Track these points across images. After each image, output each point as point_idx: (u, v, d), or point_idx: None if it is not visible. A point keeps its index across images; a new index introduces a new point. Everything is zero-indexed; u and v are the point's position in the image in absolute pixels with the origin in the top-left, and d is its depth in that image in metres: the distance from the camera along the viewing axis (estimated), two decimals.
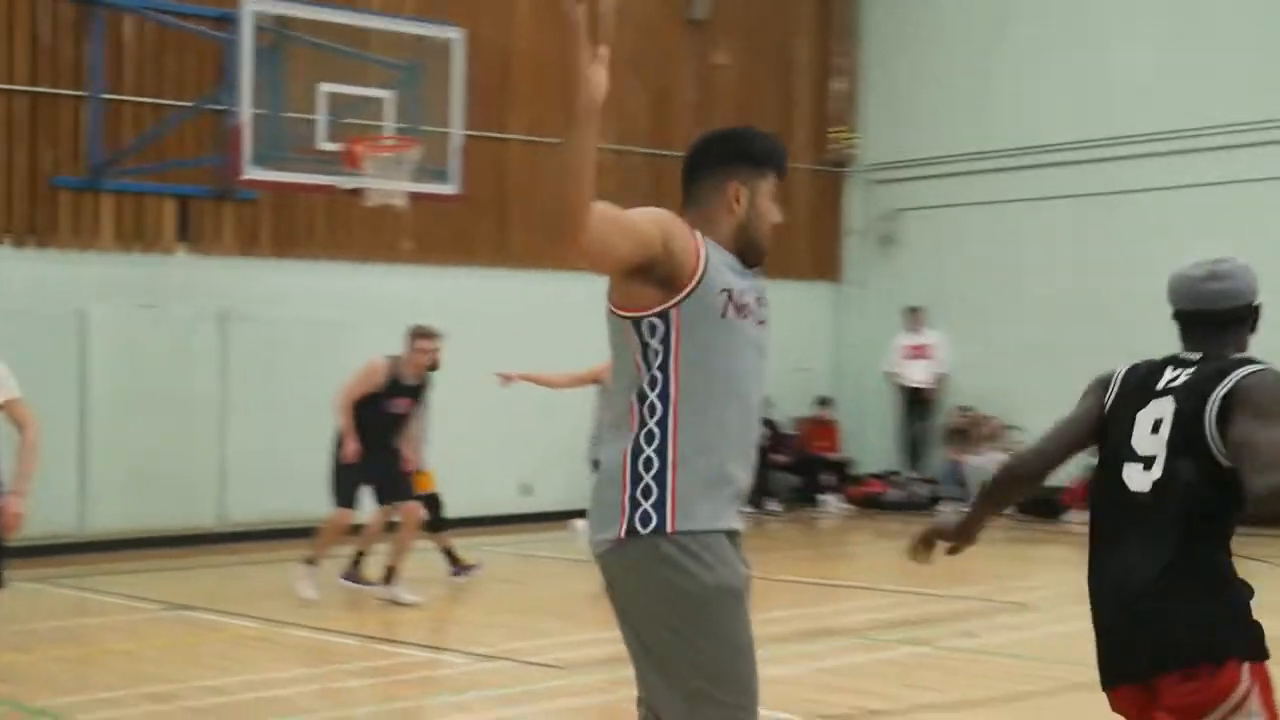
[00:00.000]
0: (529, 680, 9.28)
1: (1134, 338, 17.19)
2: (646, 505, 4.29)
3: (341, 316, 16.23)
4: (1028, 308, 19.57)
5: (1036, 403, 17.11)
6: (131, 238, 15.88)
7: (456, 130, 15.36)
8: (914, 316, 20.32)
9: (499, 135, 18.32)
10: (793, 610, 11.73)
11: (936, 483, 19.61)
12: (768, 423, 20.09)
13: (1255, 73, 18.05)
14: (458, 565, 13.48)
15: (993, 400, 19.54)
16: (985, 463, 19.31)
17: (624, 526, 4.29)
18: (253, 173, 14.10)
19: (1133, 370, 4.56)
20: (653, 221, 4.32)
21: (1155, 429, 4.35)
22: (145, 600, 12.23)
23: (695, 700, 4.27)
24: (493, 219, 18.31)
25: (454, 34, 15.39)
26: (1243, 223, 17.98)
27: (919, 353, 20.20)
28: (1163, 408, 4.36)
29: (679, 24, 20.03)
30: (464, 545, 14.58)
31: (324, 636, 10.83)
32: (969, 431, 19.67)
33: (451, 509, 14.08)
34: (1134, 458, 4.36)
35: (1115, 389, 4.53)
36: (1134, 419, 4.40)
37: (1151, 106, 18.78)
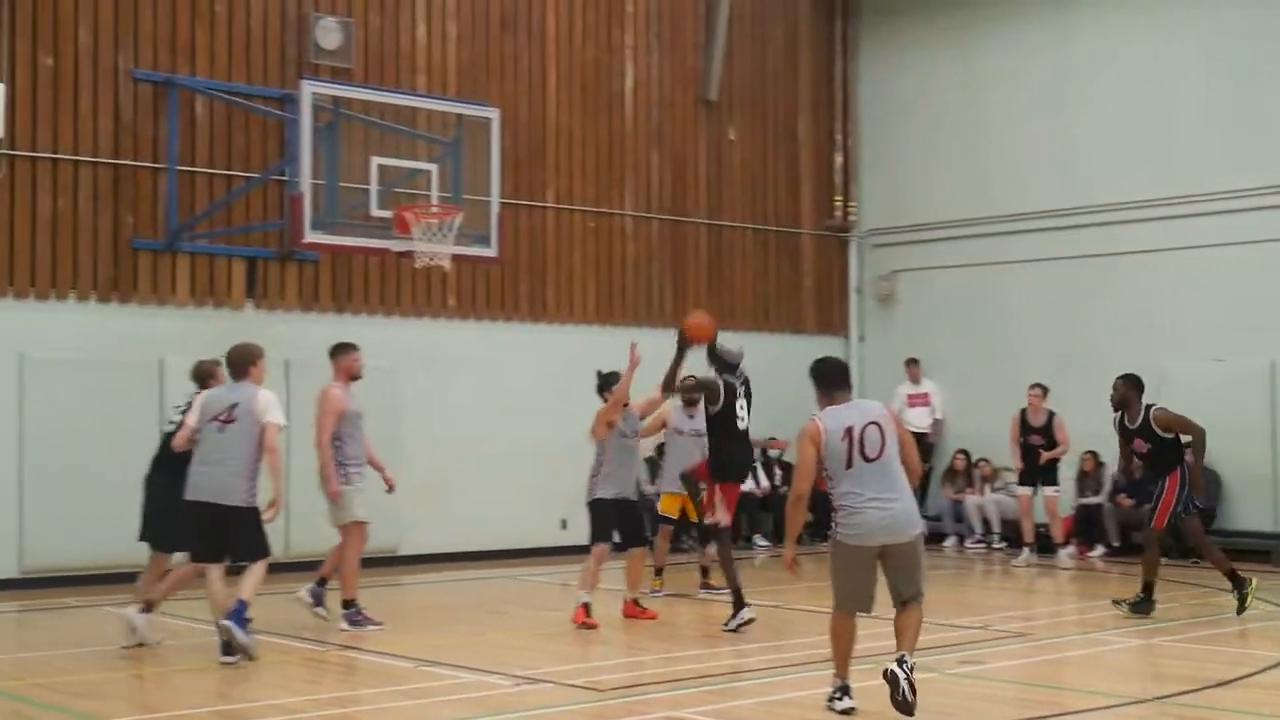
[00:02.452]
0: (569, 701, 9.08)
1: (1109, 393, 17.16)
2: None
3: (392, 365, 16.10)
4: (1017, 362, 19.37)
5: None
6: (204, 294, 15.79)
7: (495, 199, 15.30)
8: (912, 368, 20.20)
9: (534, 203, 18.27)
10: (806, 638, 11.51)
11: (939, 520, 19.36)
12: (782, 465, 19.92)
13: (1235, 141, 17.91)
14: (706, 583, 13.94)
15: (986, 446, 19.36)
16: (983, 502, 19.16)
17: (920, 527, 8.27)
18: (313, 237, 14.02)
19: None
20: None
21: None
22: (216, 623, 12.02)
23: None
24: (529, 278, 18.23)
25: (492, 112, 15.37)
26: (1224, 284, 17.88)
27: (918, 401, 20.05)
28: None
29: (694, 103, 19.98)
30: (507, 575, 14.45)
31: (376, 659, 10.64)
32: (967, 473, 19.49)
33: (497, 542, 13.92)
34: None
35: None
36: None
37: (1133, 173, 18.70)
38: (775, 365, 20.36)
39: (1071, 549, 17.62)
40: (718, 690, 9.45)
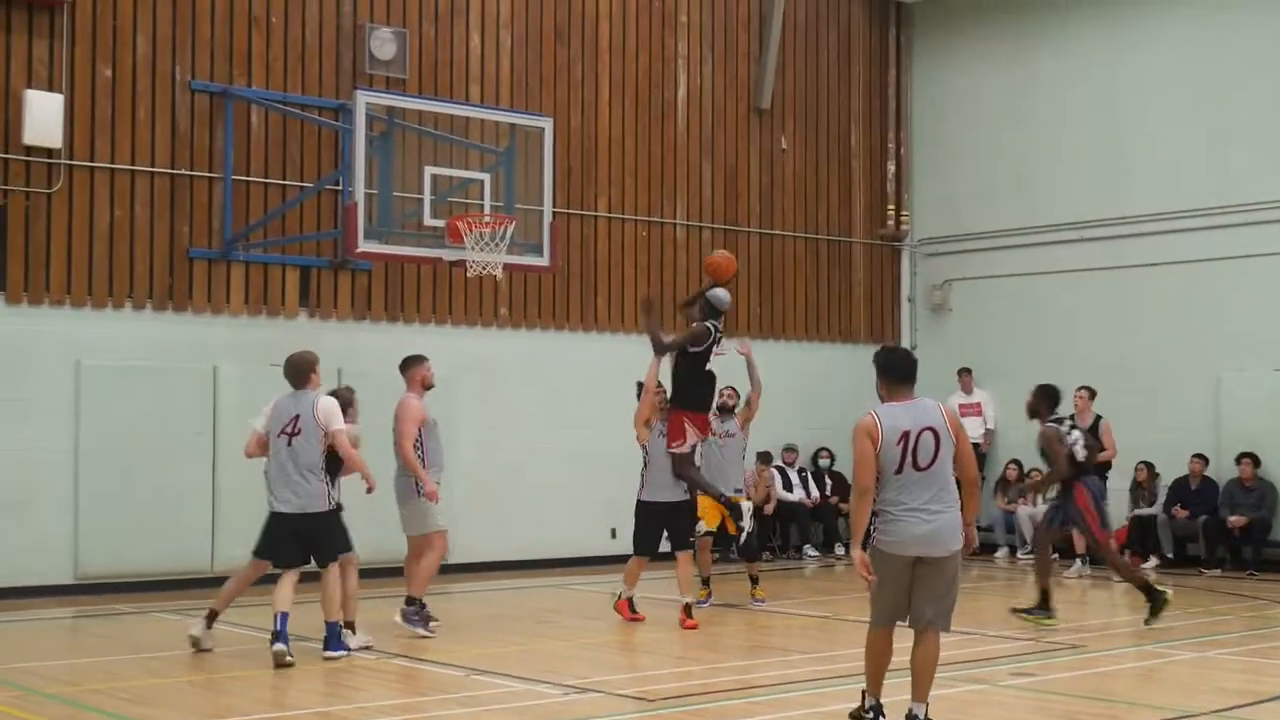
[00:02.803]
0: (618, 711, 9.05)
1: (1163, 402, 16.93)
2: None
3: (444, 374, 16.03)
4: (1067, 371, 19.18)
5: None
6: (258, 303, 15.88)
7: (547, 208, 15.31)
8: (965, 378, 20.08)
9: (585, 212, 18.28)
10: (855, 649, 11.41)
11: (991, 530, 19.23)
12: (834, 474, 19.84)
13: (1272, 149, 17.74)
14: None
15: (1036, 456, 19.14)
16: (1035, 513, 18.97)
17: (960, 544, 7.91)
18: (366, 246, 14.07)
19: None
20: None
21: None
22: (268, 630, 12.07)
23: None
24: (580, 287, 18.24)
25: (545, 122, 15.39)
26: (1273, 293, 17.70)
27: (970, 411, 19.92)
28: None
29: (747, 112, 19.95)
30: (557, 584, 14.42)
31: (428, 667, 10.65)
32: (1020, 483, 19.32)
33: (547, 550, 13.92)
34: None
35: None
36: None
37: (1187, 182, 18.54)
38: (827, 375, 20.39)
39: (1125, 559, 17.45)
40: (766, 701, 9.40)
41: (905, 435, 7.79)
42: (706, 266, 13.45)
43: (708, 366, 12.94)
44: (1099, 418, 16.64)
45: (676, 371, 12.93)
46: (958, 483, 7.99)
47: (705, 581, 14.13)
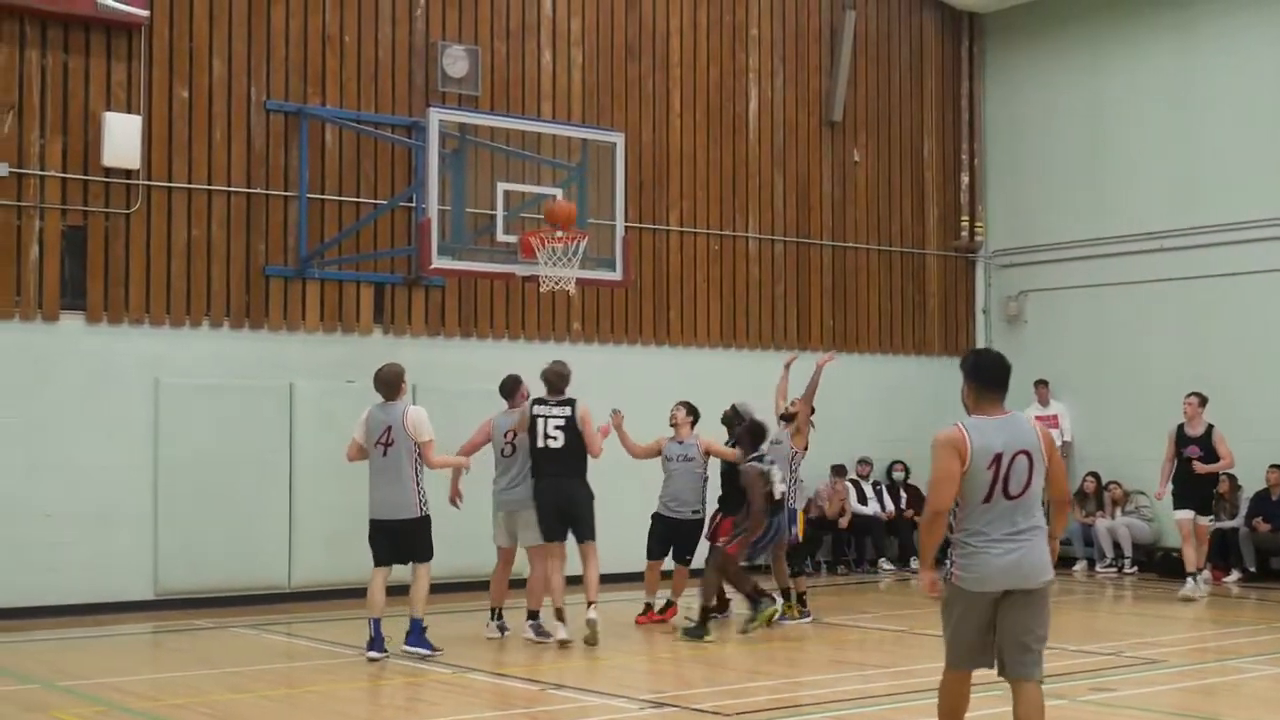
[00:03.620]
0: None
1: (1240, 413, 16.72)
2: None
3: None
4: (1143, 382, 19.08)
5: (1158, 465, 16.63)
6: (333, 320, 16.01)
7: (620, 222, 15.32)
8: (1041, 389, 19.90)
9: (658, 226, 18.30)
10: (934, 663, 11.34)
11: (1069, 544, 19.02)
12: (909, 488, 19.73)
13: None
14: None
15: (1114, 468, 19.04)
16: (1114, 525, 18.79)
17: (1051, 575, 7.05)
18: (440, 262, 14.13)
19: None
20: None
21: None
22: (344, 645, 12.18)
23: None
24: (653, 302, 18.25)
25: (616, 137, 15.40)
26: None
27: (1046, 423, 19.69)
28: None
29: (818, 125, 19.90)
30: (621, 599, 14.43)
31: (503, 682, 10.68)
32: (1098, 496, 19.14)
33: (620, 565, 13.98)
34: None
35: None
36: None
37: (1261, 191, 18.31)
38: (901, 387, 20.28)
39: (1206, 574, 17.20)
40: (841, 716, 9.36)
41: (997, 459, 6.88)
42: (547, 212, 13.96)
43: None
44: (1211, 426, 15.92)
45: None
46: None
47: (784, 594, 14.04)
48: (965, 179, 21.25)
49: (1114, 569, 18.63)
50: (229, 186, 15.48)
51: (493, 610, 12.83)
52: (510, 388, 13.10)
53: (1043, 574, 6.98)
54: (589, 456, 12.53)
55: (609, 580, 13.76)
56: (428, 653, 11.39)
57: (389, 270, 16.39)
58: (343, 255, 16.04)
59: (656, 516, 13.89)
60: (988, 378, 7.11)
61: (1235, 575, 17.55)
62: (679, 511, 13.72)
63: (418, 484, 11.51)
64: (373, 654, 11.33)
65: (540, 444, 12.41)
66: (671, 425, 13.98)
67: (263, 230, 15.66)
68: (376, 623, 11.41)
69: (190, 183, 15.27)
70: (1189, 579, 15.89)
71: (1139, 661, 11.47)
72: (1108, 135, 19.99)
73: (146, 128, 14.95)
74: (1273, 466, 17.58)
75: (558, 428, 12.39)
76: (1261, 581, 17.38)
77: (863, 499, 19.27)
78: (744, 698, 10.10)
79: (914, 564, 18.96)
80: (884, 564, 19.21)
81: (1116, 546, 18.77)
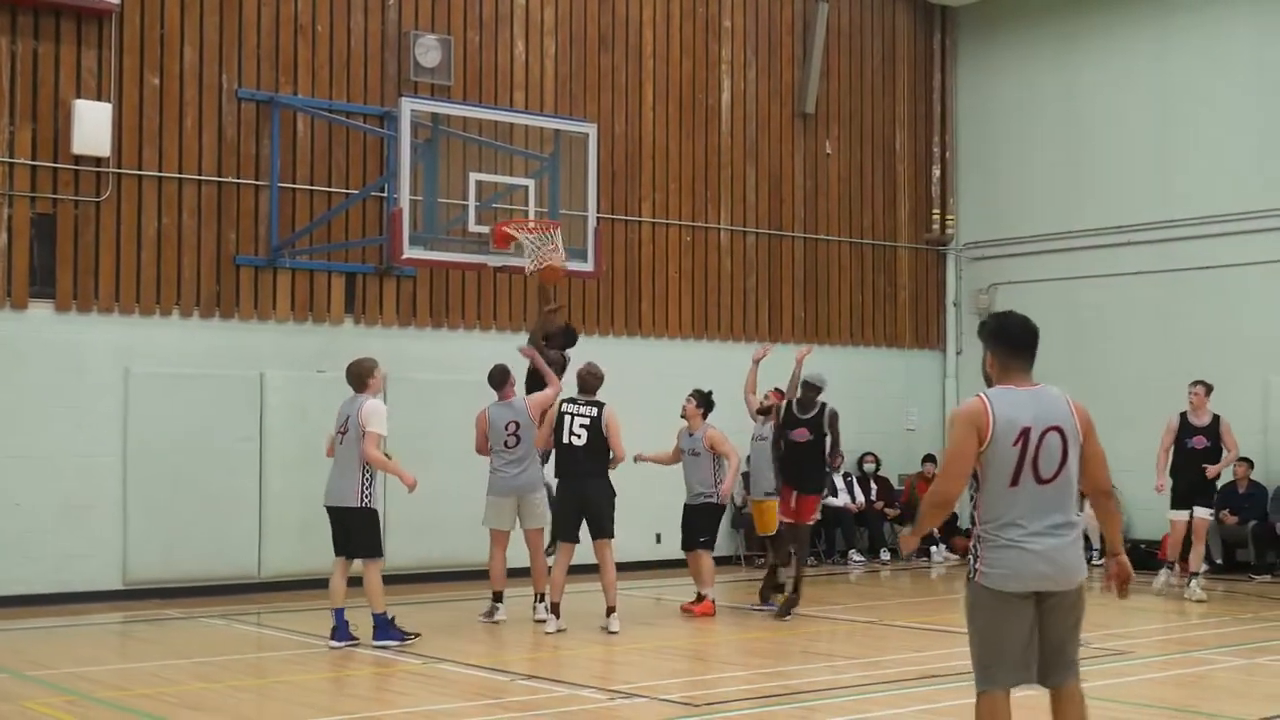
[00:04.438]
0: (664, 716, 9.05)
1: (1212, 406, 16.75)
2: None
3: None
4: (1115, 374, 19.15)
5: (1127, 465, 16.66)
6: (304, 310, 15.96)
7: (592, 213, 15.28)
8: None
9: (630, 218, 18.30)
10: (904, 654, 11.42)
11: None
12: (879, 479, 19.78)
13: None
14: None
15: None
16: (1084, 517, 18.80)
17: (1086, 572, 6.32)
18: (411, 252, 14.09)
19: None
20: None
21: None
22: (314, 636, 12.16)
23: None
24: (625, 293, 18.26)
25: (589, 128, 15.36)
26: None
27: None
28: None
29: (791, 117, 19.92)
30: (601, 589, 14.41)
31: (475, 672, 10.68)
32: None
33: (592, 555, 13.98)
34: None
35: None
36: None
37: (1235, 186, 18.40)
38: (871, 379, 20.33)
39: (1175, 570, 17.28)
40: (811, 706, 9.38)
41: (1025, 434, 6.07)
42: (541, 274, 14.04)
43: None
44: (1217, 416, 15.54)
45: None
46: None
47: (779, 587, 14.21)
48: (937, 172, 21.32)
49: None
50: (200, 175, 15.41)
51: (538, 595, 13.31)
52: (499, 378, 13.32)
53: (1080, 572, 6.26)
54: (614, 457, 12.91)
55: (576, 571, 13.75)
56: (397, 643, 11.42)
57: (360, 260, 16.35)
58: (314, 245, 15.99)
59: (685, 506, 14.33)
60: (1013, 341, 6.28)
61: (1204, 567, 17.62)
62: (693, 500, 14.14)
63: (363, 475, 11.54)
64: (334, 643, 11.44)
65: (565, 440, 12.74)
66: (683, 417, 14.22)
67: (234, 219, 15.60)
68: (338, 612, 11.59)
69: (161, 171, 15.20)
70: (1190, 581, 15.39)
71: (1108, 653, 11.53)
72: (1080, 129, 20.06)
73: (117, 115, 14.88)
74: (1240, 460, 17.66)
75: (583, 426, 12.75)
76: (1229, 573, 17.49)
77: (833, 491, 19.31)
78: (714, 688, 10.13)
79: (884, 555, 19.04)
80: (854, 556, 19.25)
81: (1085, 538, 18.81)
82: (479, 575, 14.10)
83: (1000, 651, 6.15)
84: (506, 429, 13.07)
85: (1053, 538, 6.10)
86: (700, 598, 14.01)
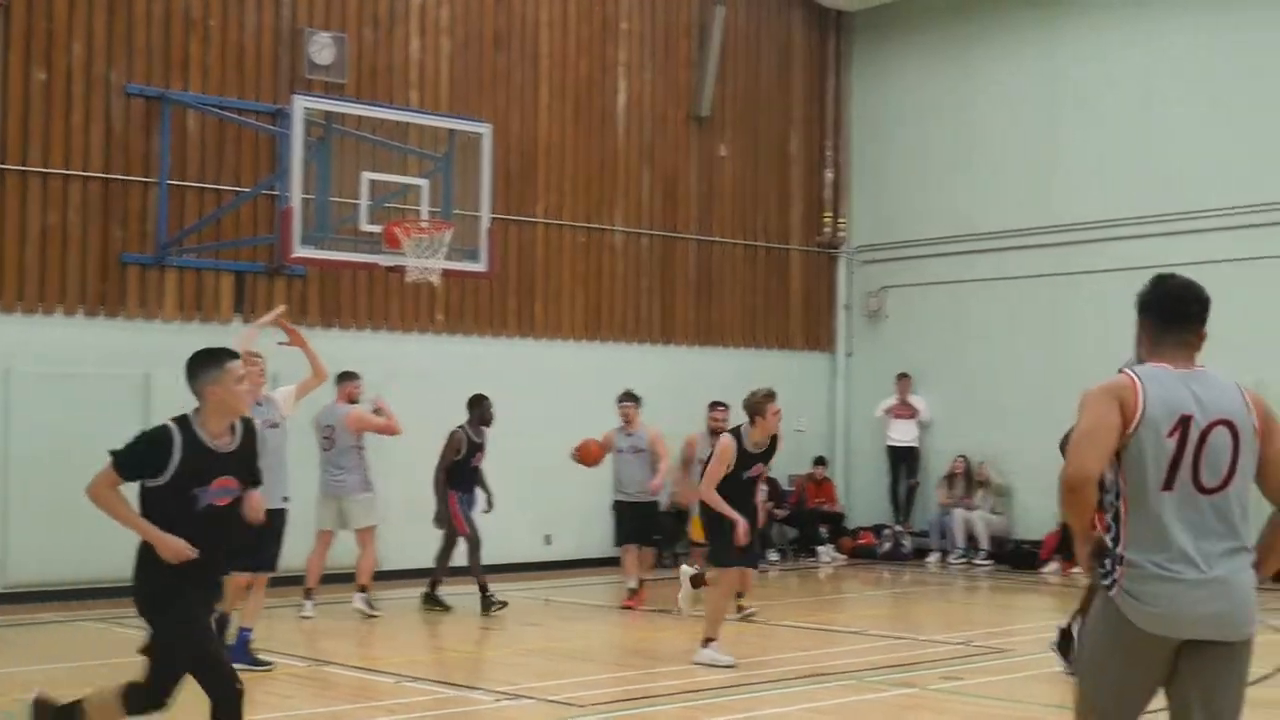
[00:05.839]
0: (549, 717, 9.03)
1: None
2: None
3: (381, 380, 15.99)
4: (1003, 377, 19.40)
5: (1014, 459, 16.93)
6: (192, 308, 15.75)
7: (486, 214, 15.23)
8: (901, 382, 20.16)
9: (524, 218, 18.24)
10: (790, 653, 11.48)
11: (925, 535, 19.34)
12: (769, 480, 19.87)
13: (1227, 157, 17.80)
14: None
15: (973, 458, 19.37)
16: (971, 517, 19.06)
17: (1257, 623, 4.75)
18: (302, 251, 13.98)
19: None
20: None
21: None
22: None
23: None
24: (518, 294, 18.20)
25: (484, 128, 15.31)
26: (1217, 300, 17.74)
27: (905, 415, 20.03)
28: None
29: (686, 120, 19.96)
30: (492, 592, 14.39)
31: (358, 674, 10.59)
32: (963, 477, 19.31)
33: (482, 557, 14.02)
34: None
35: None
36: None
37: (1124, 189, 18.66)
38: (762, 381, 20.31)
39: (1055, 566, 17.57)
40: (700, 706, 9.40)
41: (1184, 424, 4.66)
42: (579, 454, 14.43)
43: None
44: None
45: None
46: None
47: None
48: (829, 175, 21.46)
49: (964, 560, 18.91)
50: (87, 171, 15.14)
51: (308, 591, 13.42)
52: (339, 379, 13.77)
53: (1249, 622, 4.72)
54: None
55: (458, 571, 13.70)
56: (253, 668, 10.43)
57: (250, 259, 16.15)
58: (203, 243, 15.78)
59: (616, 504, 14.72)
60: (1169, 310, 4.90)
61: (1053, 566, 17.85)
62: (637, 495, 14.51)
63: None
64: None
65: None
66: (625, 420, 14.61)
67: (121, 217, 15.35)
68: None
69: (47, 167, 14.92)
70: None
71: (987, 651, 11.68)
72: (971, 134, 20.29)
73: (3, 110, 14.59)
74: None
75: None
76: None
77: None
78: (599, 689, 10.12)
79: (772, 556, 19.11)
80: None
81: (970, 538, 19.06)
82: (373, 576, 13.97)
83: (1111, 693, 4.78)
84: (322, 431, 13.56)
85: (1224, 568, 4.67)
86: (637, 590, 14.39)
